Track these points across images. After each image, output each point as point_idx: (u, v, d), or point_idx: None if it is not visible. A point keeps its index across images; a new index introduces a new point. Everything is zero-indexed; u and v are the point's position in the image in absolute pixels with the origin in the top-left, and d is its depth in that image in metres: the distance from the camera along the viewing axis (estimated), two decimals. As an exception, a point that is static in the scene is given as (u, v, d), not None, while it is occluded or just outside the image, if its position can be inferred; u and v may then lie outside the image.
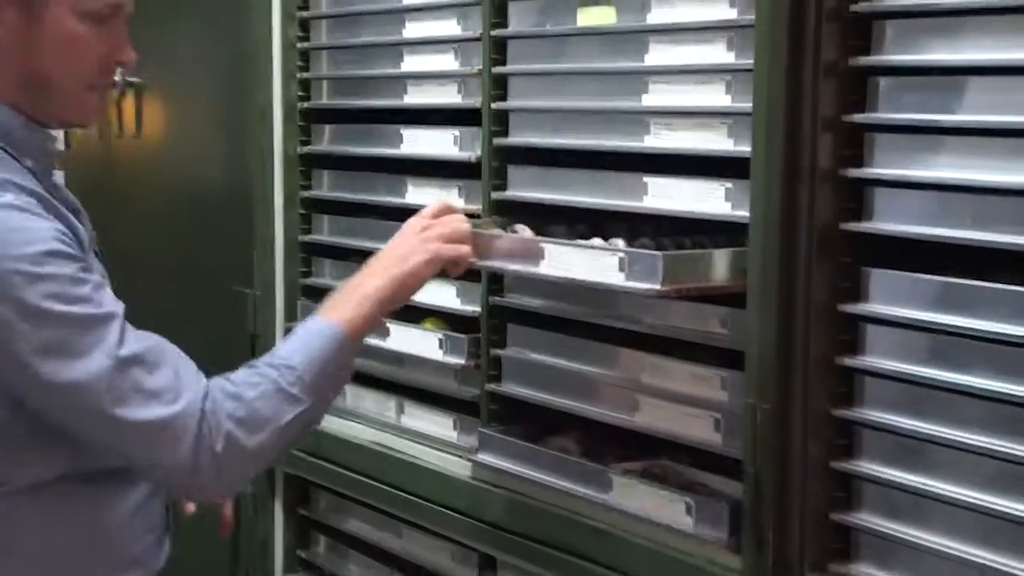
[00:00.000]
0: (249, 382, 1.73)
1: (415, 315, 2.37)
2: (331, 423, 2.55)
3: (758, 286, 1.76)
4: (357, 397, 2.57)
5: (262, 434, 1.70)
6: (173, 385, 1.67)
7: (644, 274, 1.78)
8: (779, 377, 1.75)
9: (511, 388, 2.21)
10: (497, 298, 2.21)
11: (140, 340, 1.67)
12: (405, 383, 2.41)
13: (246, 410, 1.70)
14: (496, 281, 2.22)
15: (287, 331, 2.69)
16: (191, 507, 2.04)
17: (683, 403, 1.91)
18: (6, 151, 1.70)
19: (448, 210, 1.97)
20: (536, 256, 1.91)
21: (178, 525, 1.94)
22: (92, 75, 1.77)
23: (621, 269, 1.81)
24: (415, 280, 1.88)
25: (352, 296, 1.84)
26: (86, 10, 1.73)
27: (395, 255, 1.88)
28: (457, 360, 2.29)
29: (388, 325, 2.30)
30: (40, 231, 1.63)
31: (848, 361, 1.72)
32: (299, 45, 2.66)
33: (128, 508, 1.79)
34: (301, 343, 1.78)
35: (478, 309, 2.25)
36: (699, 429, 1.89)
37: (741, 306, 1.80)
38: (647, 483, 1.95)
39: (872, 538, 1.71)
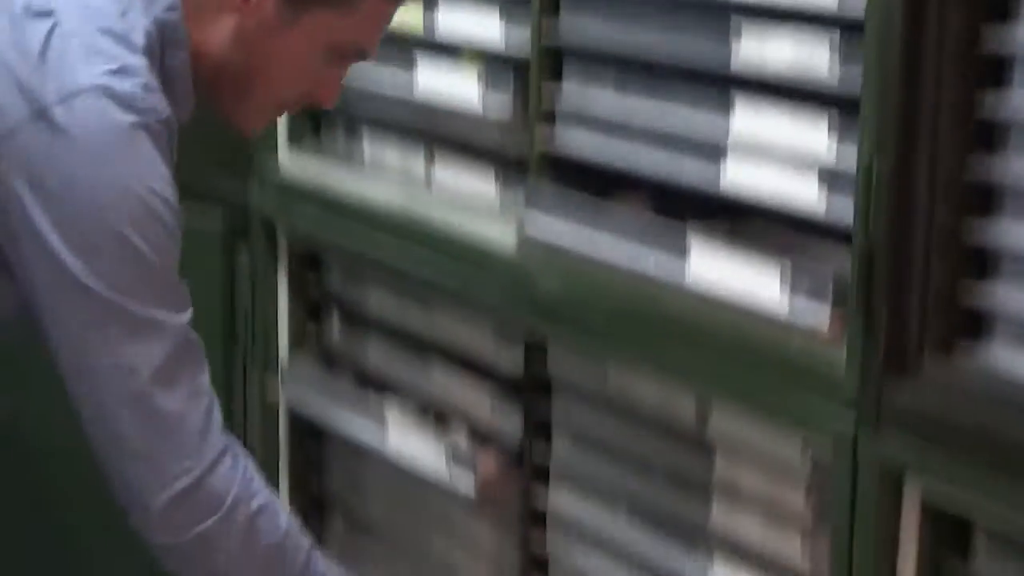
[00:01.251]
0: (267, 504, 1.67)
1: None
2: (345, 183, 2.32)
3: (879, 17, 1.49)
4: (378, 149, 2.37)
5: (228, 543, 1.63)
6: (210, 398, 1.62)
7: None
8: (901, 126, 1.50)
9: (565, 142, 1.95)
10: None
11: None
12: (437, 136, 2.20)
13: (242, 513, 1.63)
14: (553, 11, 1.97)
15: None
16: None
17: (779, 158, 1.67)
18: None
19: None
20: None
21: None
22: (291, 99, 1.73)
23: None
24: None
25: None
26: (336, 41, 1.68)
27: None
28: (500, 108, 2.05)
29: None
30: (168, 173, 1.58)
31: (987, 104, 1.47)
32: None
33: None
34: None
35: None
36: (799, 190, 1.65)
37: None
38: (732, 245, 1.71)
39: (1010, 318, 1.48)
